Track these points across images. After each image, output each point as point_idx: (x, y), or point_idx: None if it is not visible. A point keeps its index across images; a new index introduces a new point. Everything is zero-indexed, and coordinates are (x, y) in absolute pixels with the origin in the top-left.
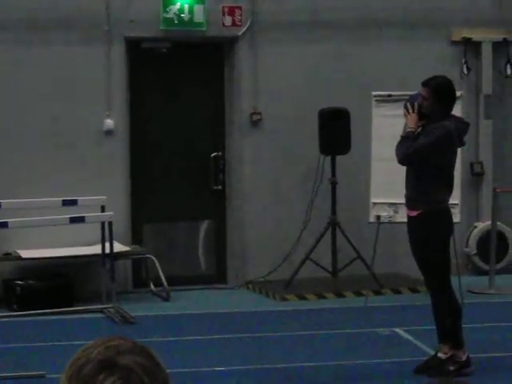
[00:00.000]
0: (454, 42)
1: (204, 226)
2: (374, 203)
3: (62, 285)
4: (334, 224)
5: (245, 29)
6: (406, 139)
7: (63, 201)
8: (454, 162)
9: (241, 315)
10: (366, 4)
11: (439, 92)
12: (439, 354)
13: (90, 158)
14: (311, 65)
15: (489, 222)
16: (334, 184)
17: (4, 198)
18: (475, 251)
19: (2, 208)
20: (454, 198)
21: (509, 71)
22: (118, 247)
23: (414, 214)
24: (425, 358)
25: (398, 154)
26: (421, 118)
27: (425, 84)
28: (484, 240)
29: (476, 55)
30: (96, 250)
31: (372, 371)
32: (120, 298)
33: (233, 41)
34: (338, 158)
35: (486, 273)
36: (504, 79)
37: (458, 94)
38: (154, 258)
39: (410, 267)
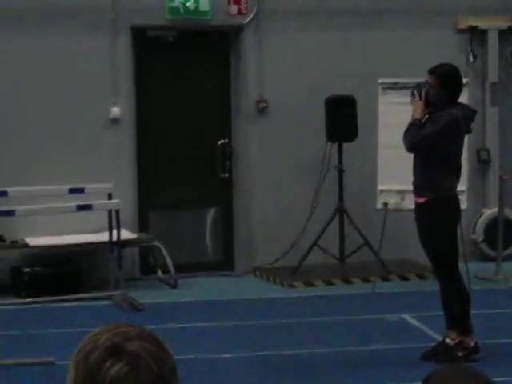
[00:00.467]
0: (460, 30)
1: (211, 213)
2: (381, 190)
3: (69, 272)
4: (341, 211)
5: (250, 17)
6: (413, 127)
7: (70, 189)
8: (461, 149)
9: (248, 302)
10: None
11: (446, 80)
12: (447, 340)
13: (97, 146)
14: (317, 53)
15: (496, 209)
16: (340, 171)
17: (11, 186)
18: (482, 238)
19: (8, 196)
20: (461, 185)
21: None
22: (126, 235)
23: (421, 200)
24: (432, 344)
25: (405, 142)
26: (427, 106)
27: (431, 72)
28: (491, 227)
29: (482, 43)
30: (103, 237)
31: (379, 357)
32: (128, 285)
33: (238, 29)
34: (345, 145)
35: (493, 259)
36: (510, 67)
37: (464, 81)
38: (161, 246)
39: (417, 253)
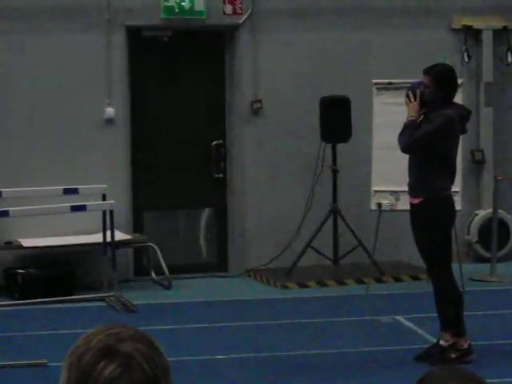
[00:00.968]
0: (455, 30)
1: (205, 214)
2: (376, 191)
3: (63, 273)
4: (335, 212)
5: (245, 17)
6: (408, 128)
7: (64, 189)
8: (457, 149)
9: (242, 303)
10: None
11: (441, 79)
12: (441, 342)
13: (91, 146)
14: (312, 53)
15: (490, 210)
16: (334, 172)
17: (5, 187)
18: (476, 239)
19: (2, 197)
20: (455, 186)
21: (509, 59)
22: (119, 236)
23: (416, 201)
24: (426, 346)
25: (400, 143)
26: (422, 106)
27: (426, 72)
28: (485, 228)
29: (476, 43)
30: (97, 238)
31: (373, 359)
32: (121, 287)
33: (233, 29)
34: (339, 145)
35: (487, 260)
36: (505, 67)
37: (459, 81)
38: (156, 247)
39: (411, 255)
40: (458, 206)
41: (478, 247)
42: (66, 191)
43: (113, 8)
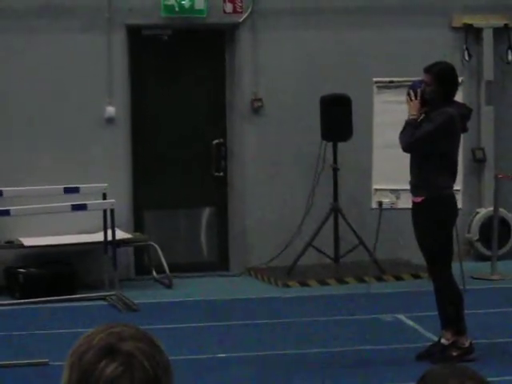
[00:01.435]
0: (455, 28)
1: (206, 212)
2: (376, 189)
3: (64, 272)
4: (335, 210)
5: (246, 15)
6: (409, 126)
7: (65, 188)
8: (458, 148)
9: (243, 302)
10: None
11: (442, 77)
12: (442, 340)
13: (92, 145)
14: (312, 51)
15: (491, 208)
16: (335, 170)
17: (6, 186)
18: (477, 237)
19: (3, 196)
20: (456, 184)
21: (510, 57)
22: (120, 234)
23: (418, 200)
24: (427, 344)
25: (401, 142)
26: (423, 105)
27: (427, 70)
28: (486, 226)
29: (477, 41)
30: (98, 237)
31: (374, 357)
32: (122, 286)
33: (234, 28)
34: (340, 144)
35: (488, 259)
36: (505, 65)
37: (460, 80)
38: (156, 245)
39: (412, 253)
40: (459, 205)
41: (479, 245)
42: (67, 190)
43: (113, 7)
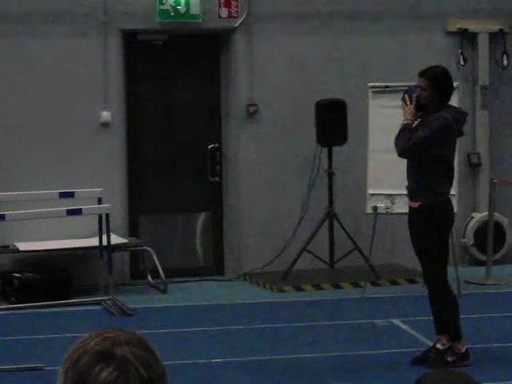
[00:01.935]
0: (450, 33)
1: (201, 217)
2: (371, 194)
3: (59, 277)
4: (330, 215)
5: (241, 20)
6: (404, 131)
7: (60, 193)
8: (454, 152)
9: (238, 307)
10: None
11: (437, 81)
12: (437, 345)
13: (87, 150)
14: (308, 56)
15: (486, 213)
16: (330, 175)
17: (1, 191)
18: (472, 242)
19: None
20: (452, 189)
21: (505, 62)
22: (116, 239)
23: (415, 205)
24: (422, 349)
25: (397, 147)
26: (418, 110)
27: (422, 74)
28: (481, 231)
29: (472, 46)
30: (93, 242)
31: (370, 362)
32: (117, 290)
33: (229, 32)
34: (335, 149)
35: (483, 263)
36: (500, 70)
37: (455, 84)
38: (152, 250)
39: (406, 258)
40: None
41: (474, 250)
42: (62, 195)
43: (108, 12)
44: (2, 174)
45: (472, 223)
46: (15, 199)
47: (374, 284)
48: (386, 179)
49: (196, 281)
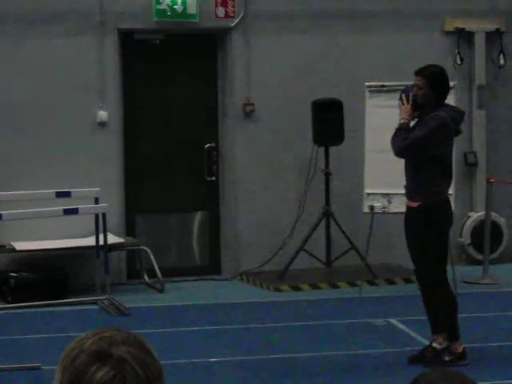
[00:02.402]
0: (447, 33)
1: (198, 217)
2: (368, 194)
3: (56, 277)
4: (327, 215)
5: (238, 20)
6: (401, 131)
7: (57, 193)
8: (451, 151)
9: (235, 306)
10: None
11: (434, 80)
12: (434, 344)
13: (84, 149)
14: (304, 56)
15: (483, 212)
16: (327, 175)
17: None
18: (469, 241)
19: None
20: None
21: (502, 61)
22: (112, 239)
23: (414, 205)
24: (419, 348)
25: (393, 147)
26: (415, 109)
27: (418, 73)
28: (478, 230)
29: (469, 45)
30: (90, 241)
31: (366, 361)
32: (114, 290)
33: (226, 32)
34: (332, 148)
35: (480, 263)
36: (497, 69)
37: (451, 84)
38: (148, 250)
39: (403, 257)
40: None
41: (471, 249)
42: (59, 194)
43: (105, 11)
44: None
45: (469, 222)
46: (12, 199)
47: (371, 283)
48: (382, 179)
49: (193, 280)
